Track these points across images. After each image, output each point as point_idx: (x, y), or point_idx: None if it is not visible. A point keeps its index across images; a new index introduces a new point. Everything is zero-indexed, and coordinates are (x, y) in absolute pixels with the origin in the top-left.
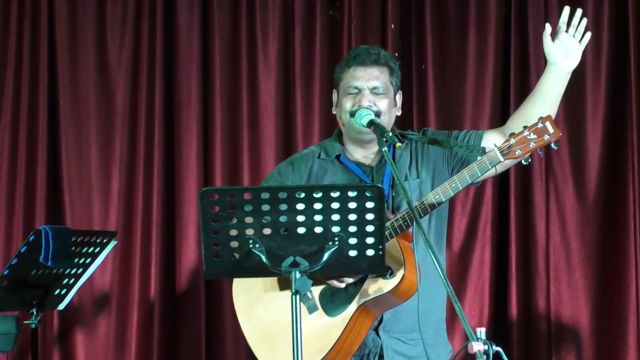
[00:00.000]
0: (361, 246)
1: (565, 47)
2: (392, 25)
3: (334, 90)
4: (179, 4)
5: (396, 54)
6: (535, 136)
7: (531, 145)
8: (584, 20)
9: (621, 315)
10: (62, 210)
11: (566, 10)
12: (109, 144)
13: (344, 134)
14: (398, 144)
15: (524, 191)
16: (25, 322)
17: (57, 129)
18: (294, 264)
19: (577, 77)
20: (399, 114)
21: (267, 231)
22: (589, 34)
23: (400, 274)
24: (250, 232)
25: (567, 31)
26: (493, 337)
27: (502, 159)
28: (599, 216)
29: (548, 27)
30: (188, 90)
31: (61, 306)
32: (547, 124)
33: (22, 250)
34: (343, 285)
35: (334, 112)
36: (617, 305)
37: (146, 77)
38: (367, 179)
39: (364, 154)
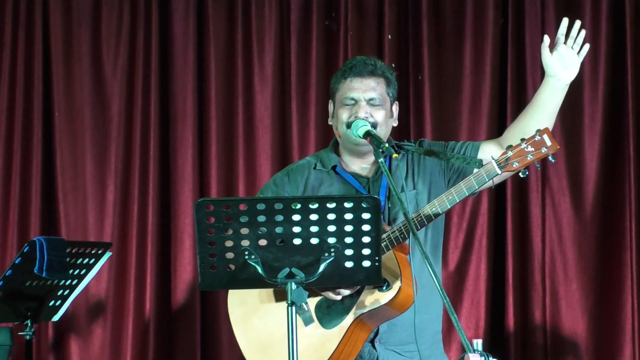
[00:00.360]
0: (357, 257)
1: (563, 59)
2: (389, 36)
3: (330, 100)
4: (174, 15)
5: (393, 65)
6: (532, 149)
7: (529, 158)
8: (583, 32)
9: (618, 327)
10: (57, 221)
11: (565, 21)
12: (104, 155)
13: (340, 145)
14: (394, 155)
15: (520, 202)
16: (19, 333)
17: (52, 140)
18: (290, 275)
19: (575, 89)
20: (395, 124)
21: (262, 242)
22: (587, 46)
23: (396, 286)
24: (246, 243)
25: (565, 43)
26: (490, 348)
27: (499, 171)
28: (596, 228)
29: (546, 39)
30: (183, 101)
31: (56, 317)
32: (545, 136)
33: (16, 262)
34: (339, 297)
35: (330, 123)
36: (614, 317)
37: (141, 87)
38: (364, 190)
39: (360, 165)
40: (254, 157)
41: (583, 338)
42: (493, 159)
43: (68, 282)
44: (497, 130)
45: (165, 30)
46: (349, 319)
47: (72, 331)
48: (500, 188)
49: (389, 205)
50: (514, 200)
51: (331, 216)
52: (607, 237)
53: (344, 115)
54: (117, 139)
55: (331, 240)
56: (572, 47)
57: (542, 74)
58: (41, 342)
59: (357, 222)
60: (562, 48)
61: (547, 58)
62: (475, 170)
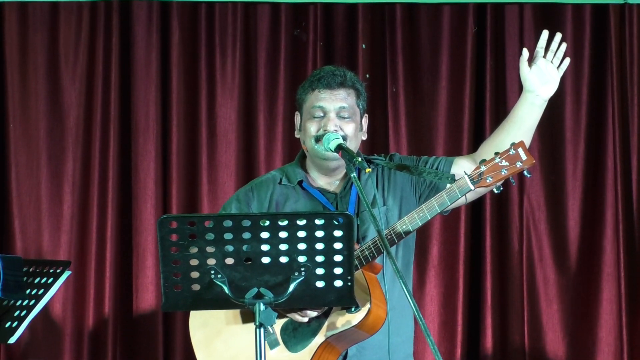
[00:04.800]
0: (329, 277)
1: (542, 74)
2: (364, 45)
3: (297, 112)
4: (136, 22)
5: (367, 76)
6: (507, 163)
7: (503, 173)
8: (563, 45)
9: (600, 349)
10: (12, 236)
11: (544, 34)
12: (61, 168)
13: (307, 159)
14: (367, 170)
15: (499, 221)
16: None
17: (7, 153)
18: (258, 296)
19: (557, 103)
20: (364, 138)
21: (229, 261)
22: (567, 60)
23: (366, 307)
24: (211, 262)
25: (545, 56)
26: None
27: (472, 187)
28: (578, 247)
29: (525, 52)
30: (145, 113)
31: (12, 339)
32: (520, 150)
33: None
34: (305, 319)
35: (297, 136)
36: (596, 339)
37: (101, 98)
38: (331, 206)
39: (327, 181)
40: (216, 172)
41: None
42: (466, 174)
43: (25, 303)
44: (475, 143)
45: (126, 38)
46: (316, 341)
47: (27, 353)
48: (478, 207)
49: (358, 222)
50: (493, 218)
51: (301, 234)
52: (589, 257)
53: (313, 128)
54: (75, 151)
55: (301, 258)
56: (551, 61)
57: (522, 85)
58: None
59: (329, 239)
60: (541, 62)
61: (526, 72)
62: (448, 185)
